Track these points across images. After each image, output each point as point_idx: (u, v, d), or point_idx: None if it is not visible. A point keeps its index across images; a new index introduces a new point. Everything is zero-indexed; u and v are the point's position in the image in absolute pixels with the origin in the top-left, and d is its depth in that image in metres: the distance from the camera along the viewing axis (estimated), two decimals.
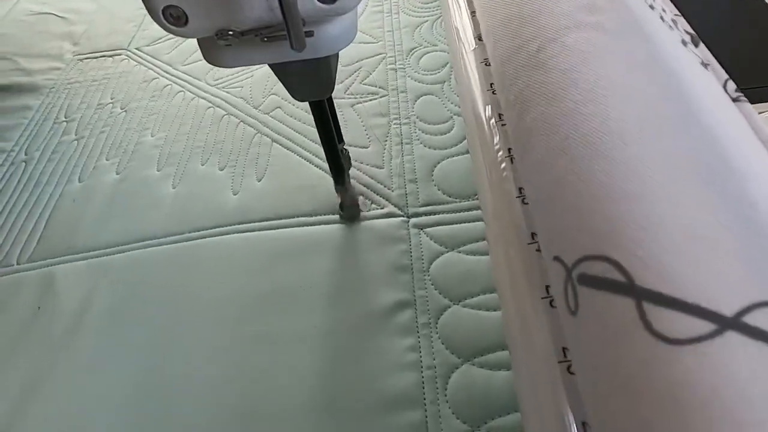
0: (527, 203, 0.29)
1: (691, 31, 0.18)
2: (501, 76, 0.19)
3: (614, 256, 0.12)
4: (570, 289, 0.13)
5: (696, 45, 0.18)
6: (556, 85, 0.15)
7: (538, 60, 0.16)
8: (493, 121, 0.34)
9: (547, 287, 0.26)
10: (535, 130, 0.16)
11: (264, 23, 0.20)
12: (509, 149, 0.32)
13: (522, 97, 0.17)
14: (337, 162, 0.32)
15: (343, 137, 0.42)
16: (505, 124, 0.33)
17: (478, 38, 0.40)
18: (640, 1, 0.17)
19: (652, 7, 0.17)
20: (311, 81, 0.26)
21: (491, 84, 0.36)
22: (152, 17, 0.20)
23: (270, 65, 0.24)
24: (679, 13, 0.19)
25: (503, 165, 0.31)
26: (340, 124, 0.43)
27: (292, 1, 0.18)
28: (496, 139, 0.33)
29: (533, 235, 0.28)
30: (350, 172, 0.39)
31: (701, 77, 0.16)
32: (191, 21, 0.20)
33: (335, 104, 0.45)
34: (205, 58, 0.23)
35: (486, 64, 0.37)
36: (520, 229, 0.28)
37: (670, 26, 0.17)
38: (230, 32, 0.20)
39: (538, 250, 0.27)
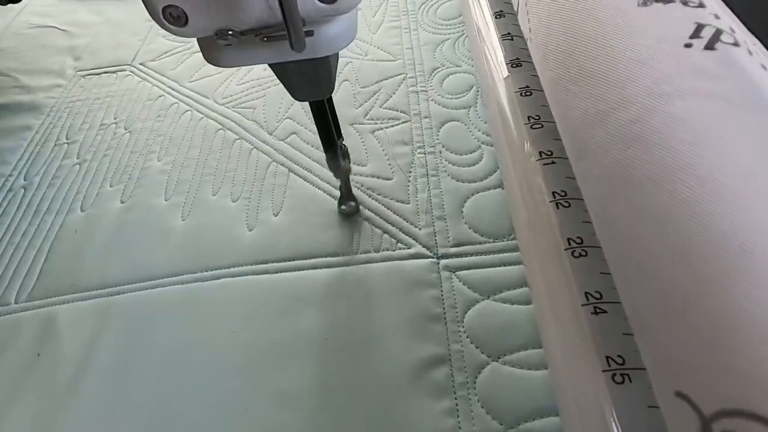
0: (577, 257, 0.27)
1: None
2: (579, 144, 0.17)
3: None
4: None
5: None
6: (664, 166, 0.13)
7: (634, 132, 0.14)
8: (533, 159, 0.31)
9: (608, 358, 0.23)
10: (639, 222, 0.13)
11: (264, 23, 0.20)
12: (554, 193, 0.30)
13: (614, 175, 0.14)
14: (332, 143, 0.32)
15: (368, 164, 0.40)
16: (549, 163, 0.31)
17: (512, 65, 0.37)
18: (754, 62, 0.14)
19: (764, 67, 0.15)
20: (311, 81, 0.26)
21: (529, 117, 0.34)
22: (152, 17, 0.20)
23: (270, 65, 0.24)
24: None
25: (548, 211, 0.29)
26: (362, 150, 0.41)
27: (292, 1, 0.18)
28: (539, 180, 0.30)
29: (587, 295, 0.25)
30: (374, 206, 0.37)
31: None
32: (191, 21, 0.20)
33: (356, 129, 0.43)
34: (205, 58, 0.23)
35: (522, 95, 0.35)
36: (571, 287, 0.26)
37: None
38: (230, 32, 0.20)
39: (594, 313, 0.25)
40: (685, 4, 0.16)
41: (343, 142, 0.34)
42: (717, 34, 0.15)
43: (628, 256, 0.13)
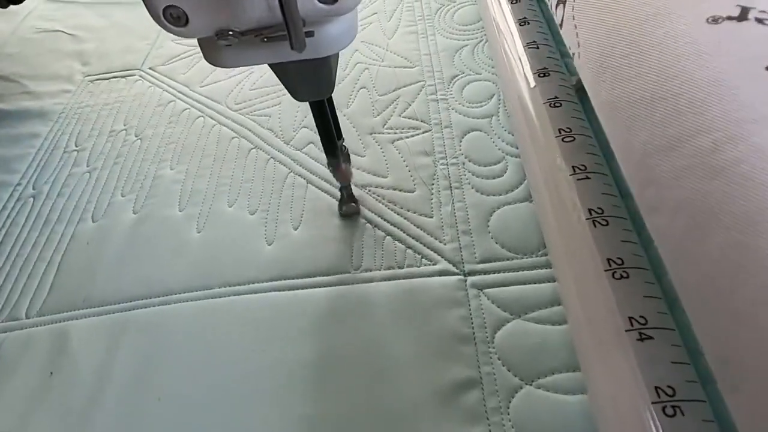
0: (619, 278, 0.26)
1: None
2: (646, 171, 0.16)
3: None
4: None
5: None
6: (754, 203, 0.12)
7: (716, 163, 0.13)
8: (566, 173, 0.30)
9: (657, 388, 0.22)
10: (725, 262, 0.12)
11: (264, 23, 0.21)
12: (590, 210, 0.29)
13: (694, 208, 0.13)
14: (332, 144, 0.32)
15: (389, 176, 0.39)
16: (583, 179, 0.30)
17: (539, 74, 0.36)
18: None
19: None
20: (311, 81, 0.26)
21: (560, 129, 0.33)
22: (152, 17, 0.21)
23: (270, 65, 0.25)
24: None
25: (584, 229, 0.28)
26: (382, 161, 0.40)
27: (292, 2, 0.18)
28: (573, 197, 0.29)
29: (631, 320, 0.24)
30: (397, 221, 0.36)
31: None
32: (191, 21, 0.20)
33: (375, 139, 0.42)
34: (205, 58, 0.23)
35: (551, 105, 0.34)
36: (612, 309, 0.25)
37: None
38: (230, 32, 0.21)
39: (640, 339, 0.24)
40: (761, 22, 0.15)
41: (344, 143, 0.34)
42: None
43: (715, 298, 0.12)
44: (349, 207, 0.36)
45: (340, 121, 0.43)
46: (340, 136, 0.33)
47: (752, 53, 0.14)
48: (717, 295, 0.12)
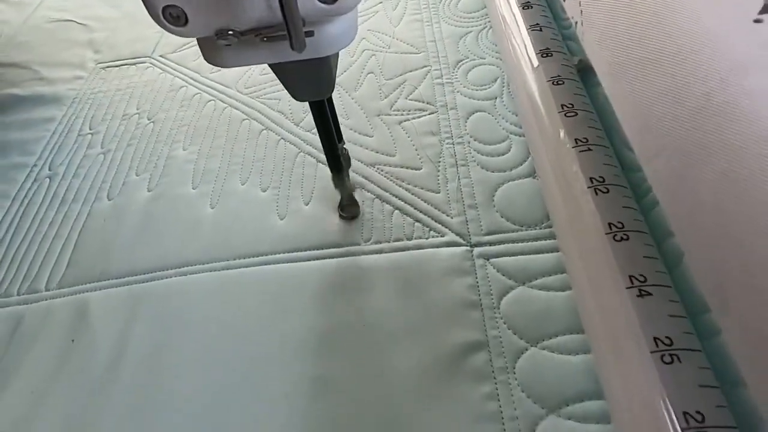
0: (619, 240, 0.27)
1: None
2: (645, 121, 0.17)
3: None
4: None
5: None
6: (743, 137, 0.13)
7: (710, 106, 0.14)
8: (569, 146, 0.32)
9: (656, 339, 0.24)
10: (720, 189, 0.13)
11: (264, 23, 0.20)
12: (591, 179, 0.30)
13: (691, 148, 0.14)
14: (336, 160, 0.32)
15: (397, 155, 0.40)
16: (585, 150, 0.31)
17: (542, 55, 0.37)
18: None
19: None
20: (311, 81, 0.26)
21: (563, 105, 0.34)
22: (152, 17, 0.21)
23: (270, 65, 0.24)
24: None
25: (586, 197, 0.29)
26: (389, 141, 0.41)
27: (293, 1, 0.18)
28: (575, 167, 0.31)
29: (631, 278, 0.26)
30: (405, 196, 0.37)
31: None
32: (191, 21, 0.20)
33: (382, 120, 0.43)
34: (204, 58, 0.23)
35: (554, 83, 0.35)
36: (613, 269, 0.26)
37: None
38: (230, 32, 0.20)
39: (640, 295, 0.25)
40: None
41: (344, 146, 0.34)
42: None
43: (710, 223, 0.14)
44: (349, 211, 0.36)
45: (348, 103, 0.44)
46: (341, 139, 0.33)
47: (741, 9, 0.16)
48: (708, 225, 0.13)
